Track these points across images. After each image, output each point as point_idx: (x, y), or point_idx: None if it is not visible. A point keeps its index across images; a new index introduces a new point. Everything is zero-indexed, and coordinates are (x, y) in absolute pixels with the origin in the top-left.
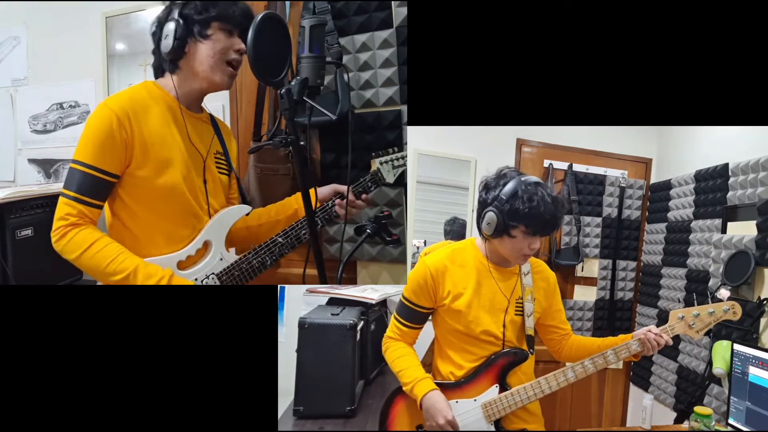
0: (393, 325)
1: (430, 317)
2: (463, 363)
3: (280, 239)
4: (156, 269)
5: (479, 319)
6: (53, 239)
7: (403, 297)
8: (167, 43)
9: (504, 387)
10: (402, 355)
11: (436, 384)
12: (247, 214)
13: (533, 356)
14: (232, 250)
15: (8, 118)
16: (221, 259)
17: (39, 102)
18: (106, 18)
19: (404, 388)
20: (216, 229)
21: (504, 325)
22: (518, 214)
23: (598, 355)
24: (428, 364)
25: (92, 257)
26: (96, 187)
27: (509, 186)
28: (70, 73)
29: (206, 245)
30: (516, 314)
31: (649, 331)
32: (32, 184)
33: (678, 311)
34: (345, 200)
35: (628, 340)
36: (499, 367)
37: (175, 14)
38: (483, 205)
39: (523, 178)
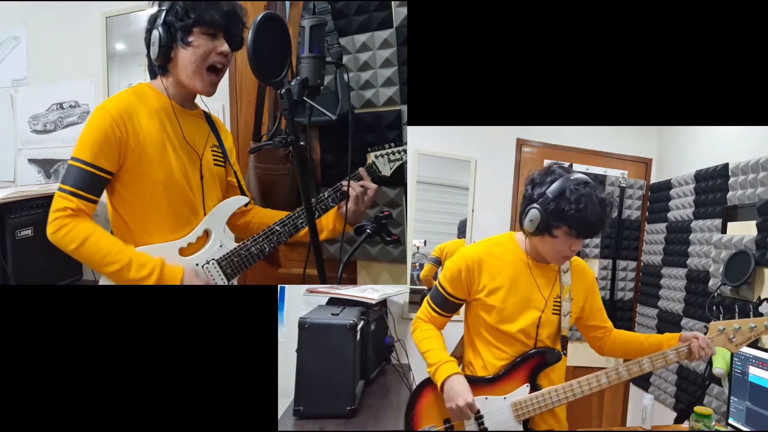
0: (425, 308)
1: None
2: (494, 360)
3: (277, 228)
4: (147, 259)
5: (514, 316)
6: (49, 231)
7: (439, 284)
8: (154, 50)
9: (535, 387)
10: (429, 336)
11: (467, 378)
12: (246, 205)
13: (566, 358)
14: (232, 237)
15: (8, 118)
16: (221, 246)
17: (39, 102)
18: (106, 18)
19: (428, 370)
20: (215, 218)
21: (538, 324)
22: (563, 215)
23: (634, 363)
24: (458, 357)
25: (89, 249)
26: (92, 182)
27: (557, 184)
28: (70, 73)
29: (206, 233)
30: (553, 313)
31: (696, 338)
32: (32, 184)
33: (718, 324)
34: (351, 183)
35: (667, 349)
36: (531, 366)
37: (160, 21)
38: (528, 201)
39: (572, 177)
